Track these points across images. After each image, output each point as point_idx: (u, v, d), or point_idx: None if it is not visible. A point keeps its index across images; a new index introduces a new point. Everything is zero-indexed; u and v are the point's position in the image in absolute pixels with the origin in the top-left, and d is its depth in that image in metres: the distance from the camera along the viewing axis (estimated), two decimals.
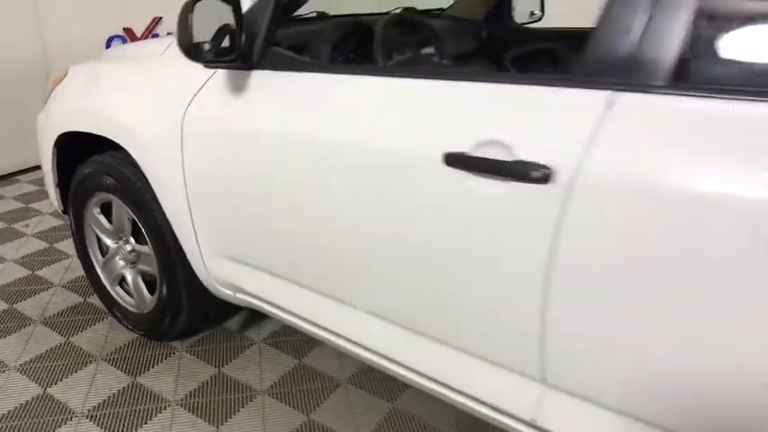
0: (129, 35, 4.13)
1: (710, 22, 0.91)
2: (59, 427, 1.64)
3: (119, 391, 1.79)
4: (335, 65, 1.71)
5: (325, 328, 1.47)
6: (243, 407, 1.70)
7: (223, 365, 1.87)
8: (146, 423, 1.65)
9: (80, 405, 1.72)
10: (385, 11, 2.43)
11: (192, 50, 1.30)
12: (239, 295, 1.67)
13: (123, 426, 1.64)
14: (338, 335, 1.44)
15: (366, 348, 1.39)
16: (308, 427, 1.62)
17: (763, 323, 0.83)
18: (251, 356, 1.92)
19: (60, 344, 2.01)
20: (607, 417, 1.04)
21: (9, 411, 1.70)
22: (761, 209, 0.79)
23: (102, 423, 1.65)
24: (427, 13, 2.47)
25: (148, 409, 1.70)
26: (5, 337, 2.05)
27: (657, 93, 0.91)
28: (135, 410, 1.70)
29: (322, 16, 2.13)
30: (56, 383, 1.82)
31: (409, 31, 1.86)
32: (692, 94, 0.88)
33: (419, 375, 1.30)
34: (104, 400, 1.74)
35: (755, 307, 0.83)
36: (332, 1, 2.23)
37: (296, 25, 1.88)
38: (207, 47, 1.29)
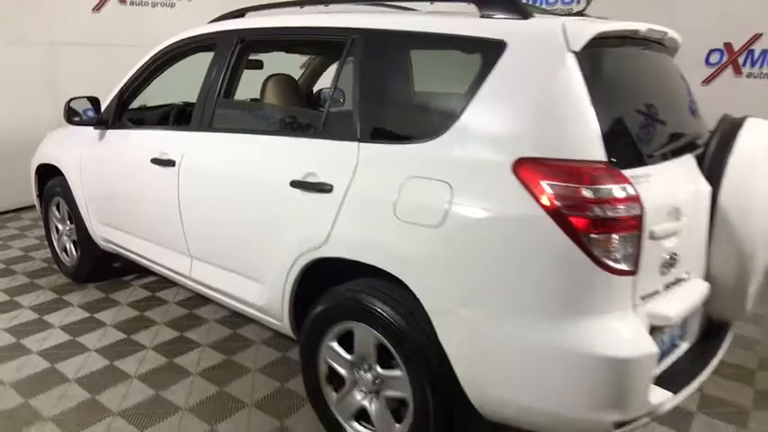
0: None
1: None
2: (18, 310, 3.20)
3: (52, 299, 3.36)
4: (144, 125, 3.27)
5: (142, 256, 2.99)
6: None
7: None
8: (50, 313, 3.19)
9: (26, 304, 3.30)
10: None
11: (69, 120, 2.96)
12: (108, 245, 3.23)
13: (42, 311, 3.19)
14: (146, 258, 2.96)
15: (152, 261, 2.92)
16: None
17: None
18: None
19: (27, 283, 3.62)
20: (208, 266, 2.53)
21: None
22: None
23: (38, 311, 3.20)
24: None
25: (54, 307, 3.25)
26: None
27: (204, 131, 2.45)
28: (50, 306, 3.25)
29: (186, 105, 3.77)
30: (20, 295, 3.40)
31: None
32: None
33: (162, 267, 2.82)
34: (43, 302, 3.31)
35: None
36: None
37: (152, 108, 3.53)
38: (77, 119, 2.95)
